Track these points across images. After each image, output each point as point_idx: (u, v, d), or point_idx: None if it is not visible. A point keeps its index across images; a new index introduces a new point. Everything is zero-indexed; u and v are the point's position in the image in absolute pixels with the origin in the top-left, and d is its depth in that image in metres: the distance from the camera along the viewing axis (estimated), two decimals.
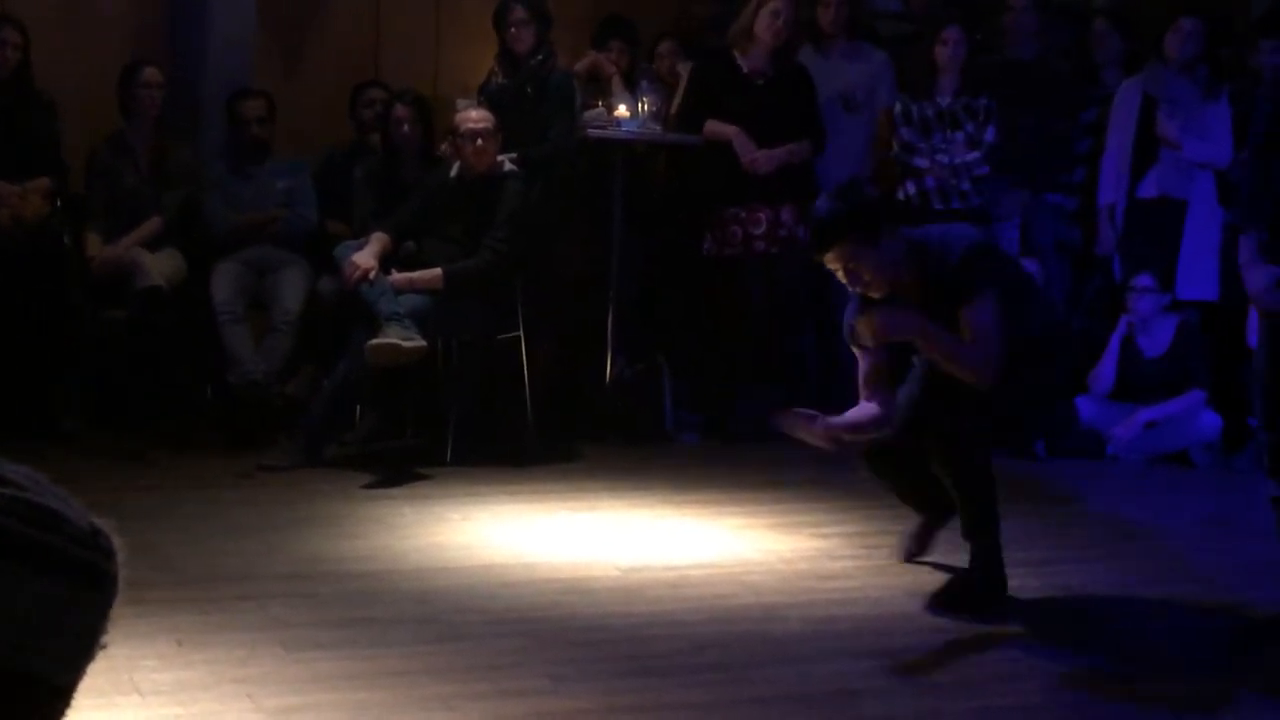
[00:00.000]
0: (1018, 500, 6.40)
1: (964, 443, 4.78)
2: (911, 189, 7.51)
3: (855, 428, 4.90)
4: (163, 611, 4.37)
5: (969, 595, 4.83)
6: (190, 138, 7.39)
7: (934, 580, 5.17)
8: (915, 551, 5.27)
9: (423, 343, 6.32)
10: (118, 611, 1.20)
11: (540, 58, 7.24)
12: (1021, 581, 5.16)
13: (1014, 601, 4.97)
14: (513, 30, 7.21)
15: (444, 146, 7.06)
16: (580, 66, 7.67)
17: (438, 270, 6.58)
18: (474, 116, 6.71)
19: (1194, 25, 7.48)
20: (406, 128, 7.08)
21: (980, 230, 4.86)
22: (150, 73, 7.07)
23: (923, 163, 7.45)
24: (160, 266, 6.88)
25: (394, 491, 6.10)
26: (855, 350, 4.94)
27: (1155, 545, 5.85)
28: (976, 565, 4.89)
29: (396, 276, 6.54)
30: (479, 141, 6.63)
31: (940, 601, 4.81)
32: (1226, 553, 5.81)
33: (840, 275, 4.71)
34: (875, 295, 4.71)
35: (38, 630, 1.13)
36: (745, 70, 7.29)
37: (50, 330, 6.76)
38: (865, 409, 4.94)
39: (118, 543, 1.18)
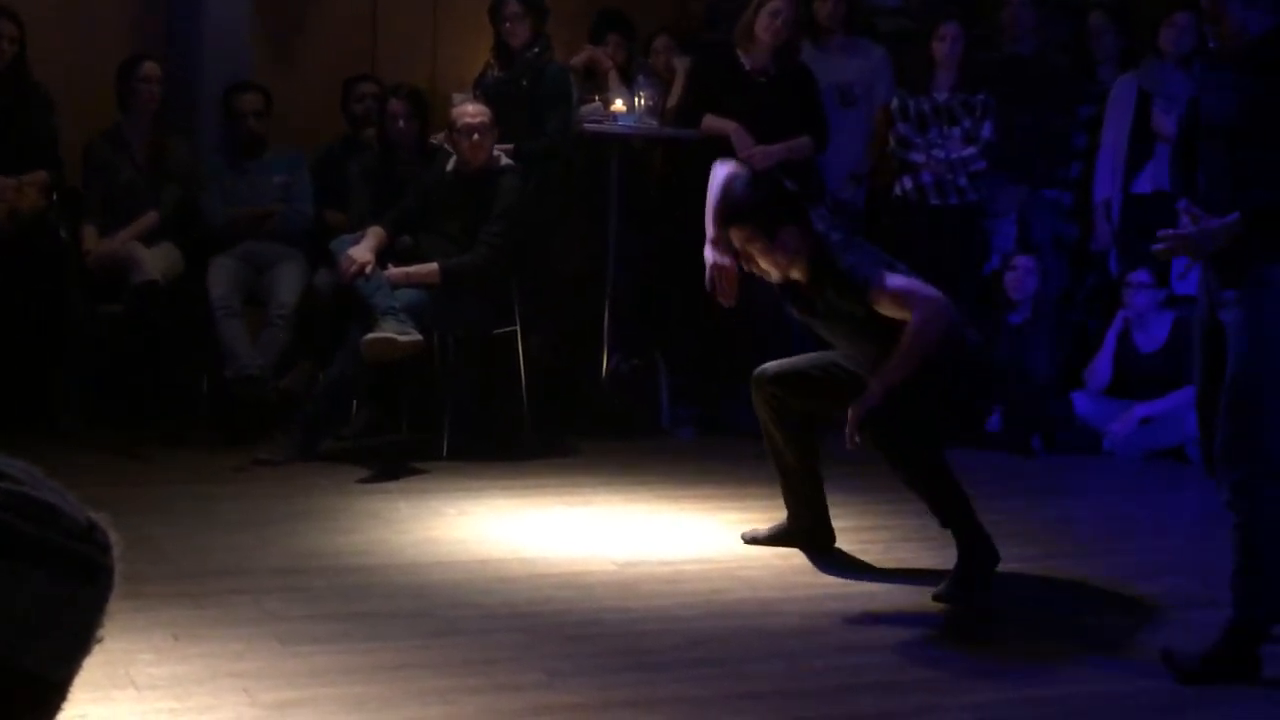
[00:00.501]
0: (1014, 496, 6.41)
1: (905, 445, 4.88)
2: (908, 184, 7.51)
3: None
4: (158, 605, 4.37)
5: (966, 581, 4.91)
6: (187, 132, 7.39)
7: (931, 577, 5.17)
8: (760, 538, 5.41)
9: (419, 337, 6.32)
10: (113, 606, 1.20)
11: (536, 51, 7.25)
12: (1018, 577, 5.17)
13: (1010, 596, 4.99)
14: (508, 24, 7.22)
15: (439, 136, 7.05)
16: (577, 61, 7.66)
17: (434, 265, 6.58)
18: (470, 111, 6.71)
19: (1188, 19, 7.48)
20: (402, 123, 7.08)
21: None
22: (150, 67, 7.07)
23: (919, 158, 7.46)
24: (157, 261, 6.87)
25: (390, 486, 6.10)
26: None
27: (1151, 541, 5.86)
28: (963, 551, 4.97)
29: (393, 271, 6.54)
30: (475, 136, 6.63)
31: (944, 596, 4.86)
32: (1223, 548, 5.81)
33: (739, 253, 4.99)
34: (771, 279, 5.00)
35: (33, 624, 1.13)
36: (748, 68, 7.28)
37: (46, 325, 6.76)
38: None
39: (114, 537, 1.18)
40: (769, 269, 4.94)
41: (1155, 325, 7.33)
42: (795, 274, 4.94)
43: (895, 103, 7.55)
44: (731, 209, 4.95)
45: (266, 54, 7.81)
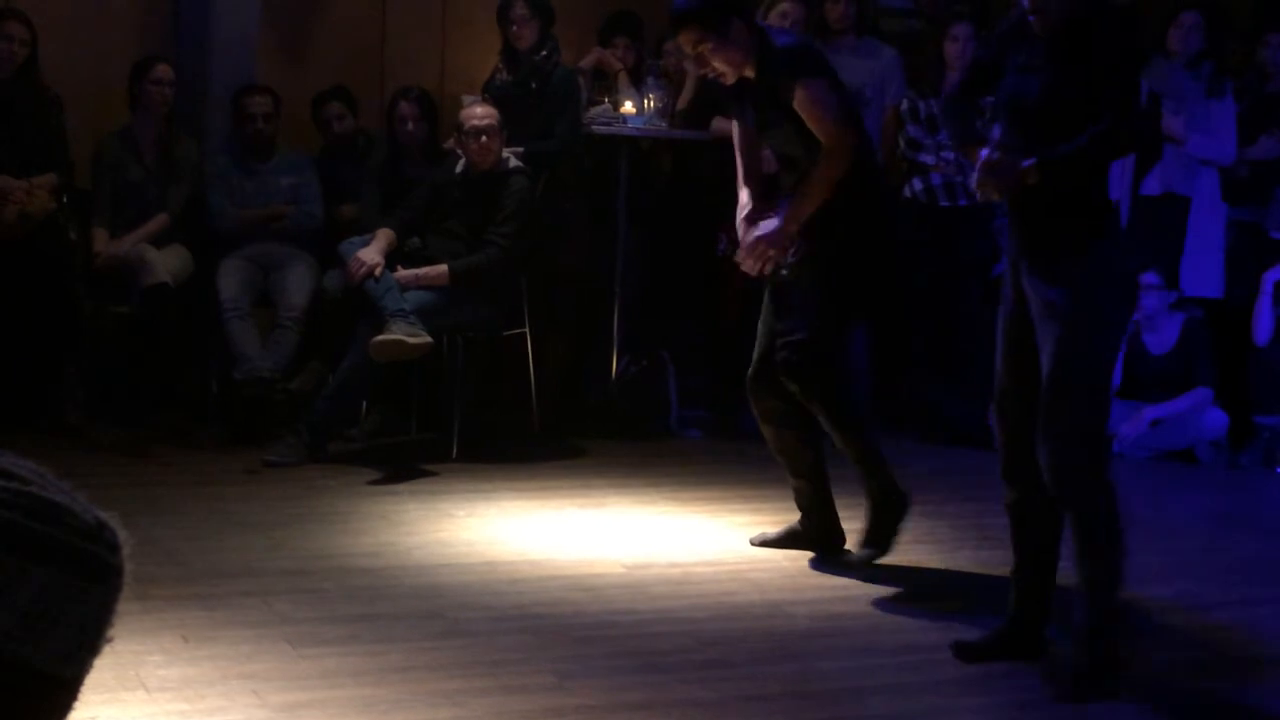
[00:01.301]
0: None
1: (827, 384, 5.05)
2: (918, 185, 7.50)
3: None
4: (168, 607, 4.37)
5: (881, 532, 5.20)
6: (196, 134, 7.39)
7: (939, 579, 5.17)
8: (769, 540, 5.42)
9: (428, 339, 6.31)
10: (123, 607, 1.20)
11: (544, 53, 7.24)
12: None
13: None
14: (514, 26, 7.21)
15: (449, 142, 7.06)
16: (586, 63, 7.66)
17: (443, 266, 6.57)
18: (478, 113, 6.71)
19: (1194, 18, 7.48)
20: (411, 125, 7.08)
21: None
22: (162, 69, 7.07)
23: (929, 159, 7.44)
24: (166, 263, 6.87)
25: (399, 487, 6.09)
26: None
27: (1161, 543, 5.84)
28: (875, 504, 5.24)
29: (402, 273, 6.53)
30: (483, 139, 6.63)
31: (862, 558, 5.20)
32: (1232, 550, 5.80)
33: (691, 62, 5.13)
34: (725, 81, 5.03)
35: (41, 621, 1.13)
36: None
37: (56, 326, 6.76)
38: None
39: (123, 537, 1.17)
40: (724, 69, 4.97)
41: (1165, 327, 7.32)
42: (748, 71, 4.98)
43: (905, 104, 7.53)
44: (680, 12, 4.97)
45: (275, 56, 7.80)
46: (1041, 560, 4.31)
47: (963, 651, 4.32)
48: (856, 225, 5.02)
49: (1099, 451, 4.12)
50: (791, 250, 5.01)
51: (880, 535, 5.25)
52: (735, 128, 5.25)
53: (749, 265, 5.05)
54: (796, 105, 4.92)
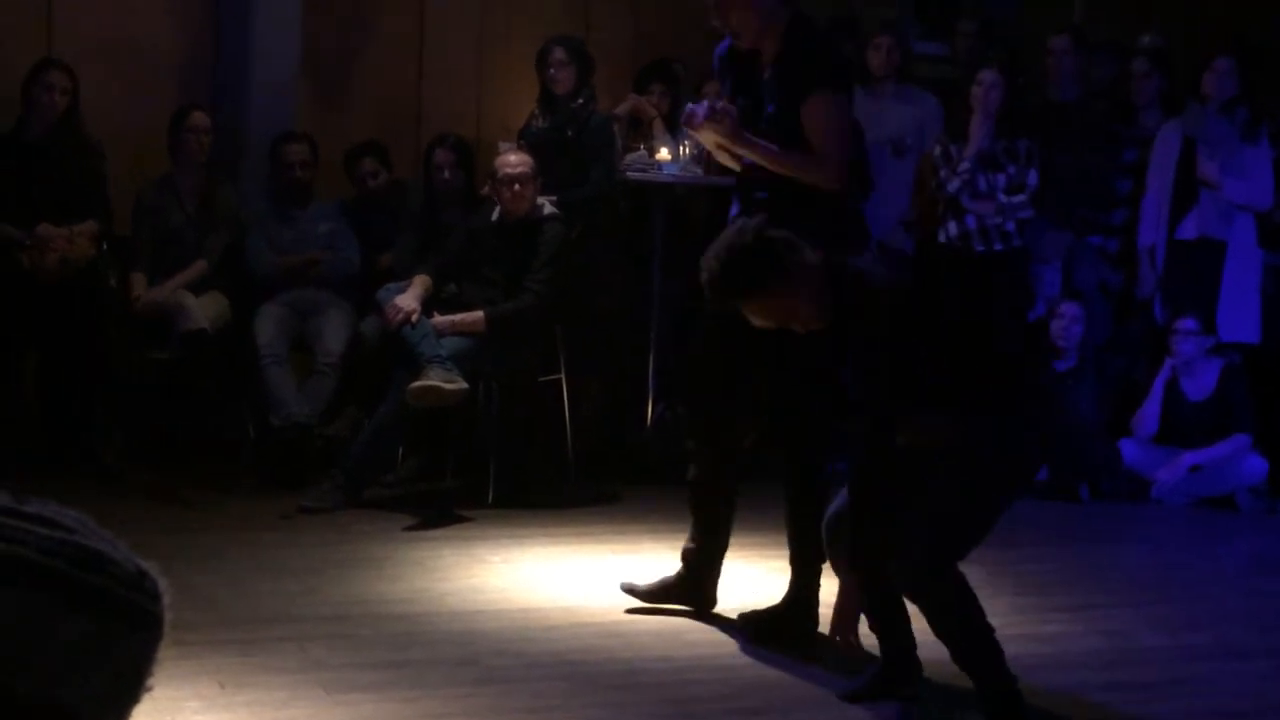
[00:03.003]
0: (1060, 544, 6.37)
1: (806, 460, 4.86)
2: (953, 230, 7.49)
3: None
4: (205, 653, 4.38)
5: (778, 627, 4.86)
6: (235, 181, 7.45)
7: None
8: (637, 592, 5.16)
9: (464, 385, 6.33)
10: (160, 653, 1.20)
11: (580, 101, 7.28)
12: (1064, 626, 5.13)
13: (1055, 646, 4.94)
14: (552, 71, 7.25)
15: (485, 189, 7.09)
16: (621, 109, 7.69)
17: (480, 313, 6.60)
18: (512, 161, 6.73)
19: (1228, 64, 7.48)
20: (447, 172, 7.11)
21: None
22: (199, 118, 7.13)
23: (954, 185, 7.38)
24: (204, 309, 6.92)
25: (435, 533, 6.10)
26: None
27: (1200, 590, 5.80)
28: (794, 587, 4.89)
29: (438, 319, 6.56)
30: (516, 186, 6.65)
31: (752, 632, 4.83)
32: (1273, 597, 5.76)
33: (712, 8, 4.83)
34: (742, 42, 4.81)
35: (82, 669, 1.14)
36: None
37: (95, 371, 6.81)
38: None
39: (164, 585, 1.18)
40: (741, 27, 4.78)
41: (1203, 373, 7.29)
42: (768, 43, 4.77)
43: (937, 150, 7.54)
44: None
45: (313, 104, 7.87)
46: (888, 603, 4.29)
47: (848, 698, 4.32)
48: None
49: (946, 556, 4.09)
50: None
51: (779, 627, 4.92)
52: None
53: (701, 129, 4.73)
54: (807, 112, 4.70)
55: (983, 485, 4.07)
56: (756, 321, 4.19)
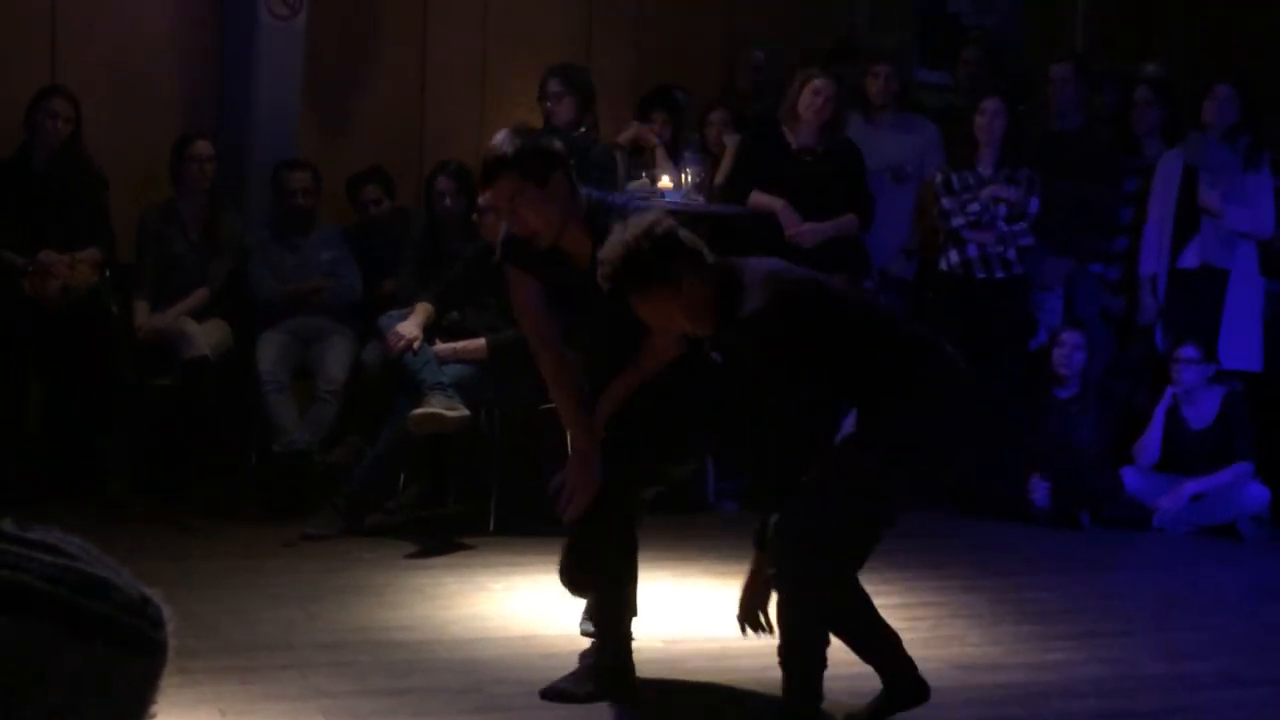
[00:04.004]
0: (1062, 571, 6.36)
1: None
2: (954, 259, 7.50)
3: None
4: (206, 680, 4.37)
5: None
6: (238, 208, 7.46)
7: (979, 654, 5.13)
8: None
9: (466, 412, 6.33)
10: (163, 681, 1.21)
11: (582, 129, 7.29)
12: (1066, 654, 5.13)
13: (1058, 676, 4.93)
14: (548, 104, 7.27)
15: (475, 217, 7.09)
16: (623, 138, 7.71)
17: (481, 340, 6.60)
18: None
19: (1228, 91, 7.49)
20: (449, 200, 7.12)
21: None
22: (201, 146, 7.15)
23: (959, 221, 7.41)
24: (207, 336, 6.93)
25: (436, 561, 6.10)
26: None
27: (1202, 618, 5.80)
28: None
29: (440, 347, 6.56)
30: (491, 216, 6.64)
31: None
32: (1274, 625, 5.75)
33: (505, 217, 4.50)
34: (540, 244, 4.41)
35: (86, 697, 1.14)
36: (794, 145, 7.30)
37: (97, 398, 6.82)
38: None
39: (167, 612, 1.19)
40: (537, 226, 4.39)
41: (1204, 401, 7.29)
42: (575, 231, 4.40)
43: (938, 177, 7.55)
44: (495, 159, 4.36)
45: (316, 131, 7.89)
46: (872, 630, 4.29)
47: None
48: None
49: (827, 573, 4.12)
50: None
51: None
52: (525, 294, 4.58)
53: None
54: (644, 314, 4.26)
55: (880, 486, 4.09)
56: (644, 316, 4.18)
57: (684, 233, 4.21)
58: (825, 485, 4.08)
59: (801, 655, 4.13)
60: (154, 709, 1.18)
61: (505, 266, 4.61)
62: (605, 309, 4.31)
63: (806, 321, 4.09)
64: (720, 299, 4.12)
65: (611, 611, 4.62)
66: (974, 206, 7.38)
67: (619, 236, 4.12)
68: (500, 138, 4.48)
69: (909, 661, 4.32)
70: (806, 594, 4.10)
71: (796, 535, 4.08)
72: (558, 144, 4.56)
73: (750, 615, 4.34)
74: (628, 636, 4.63)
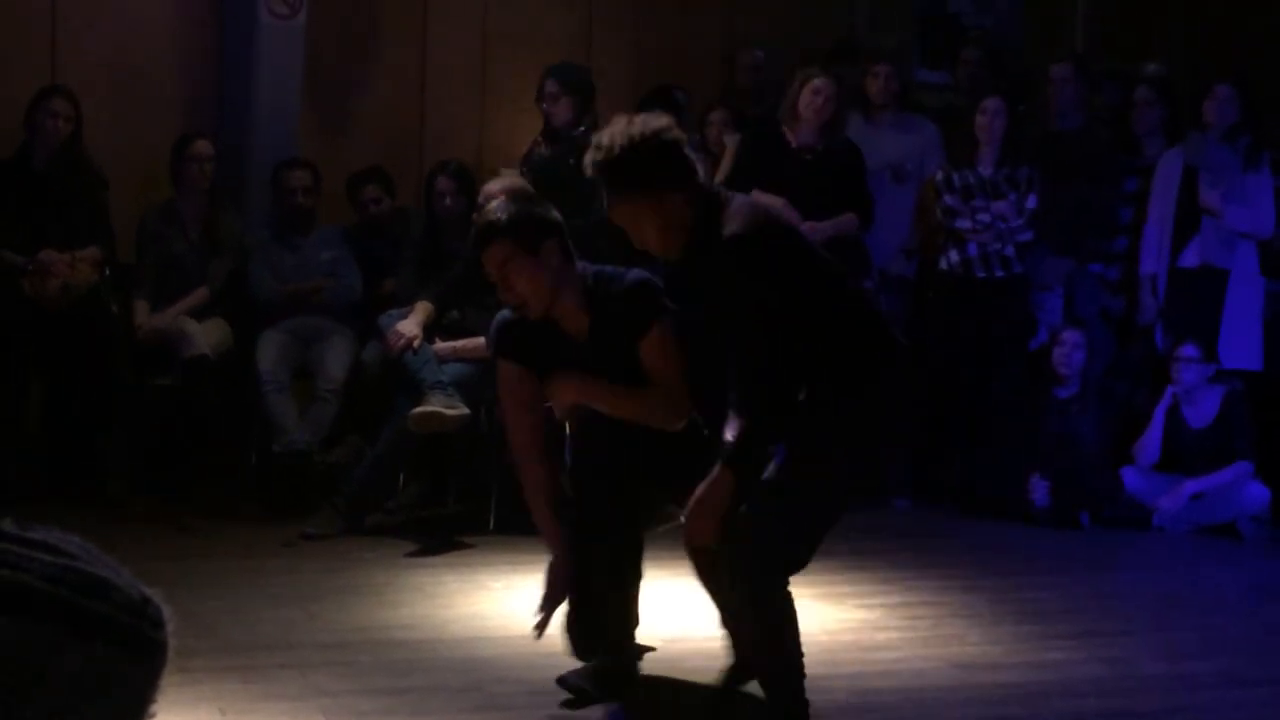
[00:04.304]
0: (1062, 571, 6.36)
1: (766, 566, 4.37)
2: (955, 257, 7.50)
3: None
4: (206, 680, 4.37)
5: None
6: (238, 208, 7.47)
7: (979, 653, 5.14)
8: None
9: (466, 411, 6.34)
10: (163, 680, 1.21)
11: (582, 129, 7.29)
12: (1067, 655, 5.13)
13: (1057, 676, 4.93)
14: (545, 105, 7.28)
15: (475, 217, 7.08)
16: None
17: (481, 339, 6.59)
18: (492, 188, 6.71)
19: (1228, 91, 7.49)
20: (449, 199, 7.12)
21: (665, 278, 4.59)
22: (201, 145, 7.15)
23: (965, 224, 7.44)
24: (206, 336, 6.93)
25: (436, 560, 6.10)
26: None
27: (1202, 618, 5.80)
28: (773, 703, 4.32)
29: (440, 346, 6.56)
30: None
31: None
32: (1274, 625, 5.75)
33: (496, 280, 4.45)
34: (530, 312, 4.39)
35: (85, 697, 1.14)
36: (794, 145, 7.30)
37: (97, 397, 6.82)
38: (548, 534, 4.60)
39: (167, 612, 1.19)
40: (530, 292, 4.36)
41: (1204, 400, 7.29)
42: (567, 300, 4.39)
43: (939, 176, 7.56)
44: (489, 225, 4.40)
45: (316, 131, 7.89)
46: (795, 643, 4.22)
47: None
48: None
49: (782, 569, 4.04)
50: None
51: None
52: (511, 392, 4.52)
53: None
54: (645, 345, 4.38)
55: (826, 480, 4.00)
56: (615, 219, 4.15)
57: (688, 148, 4.11)
58: (784, 488, 3.98)
59: (776, 655, 4.10)
60: (154, 709, 1.18)
61: (495, 359, 4.56)
62: (603, 353, 4.33)
63: (784, 256, 3.97)
64: (698, 225, 4.03)
65: (617, 620, 4.61)
66: (984, 218, 7.39)
67: (623, 127, 4.07)
68: (497, 203, 4.52)
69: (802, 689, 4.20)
70: (768, 594, 4.03)
71: (756, 542, 3.98)
72: (554, 214, 4.52)
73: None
74: (633, 644, 4.64)
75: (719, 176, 7.63)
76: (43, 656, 1.12)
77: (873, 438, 4.08)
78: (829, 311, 4.02)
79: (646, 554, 4.65)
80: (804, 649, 5.02)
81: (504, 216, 4.40)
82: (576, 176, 7.18)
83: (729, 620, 4.42)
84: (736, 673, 4.43)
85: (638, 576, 4.63)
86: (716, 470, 3.96)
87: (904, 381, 4.13)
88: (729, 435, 4.05)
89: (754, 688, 4.57)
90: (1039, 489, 7.19)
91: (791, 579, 4.05)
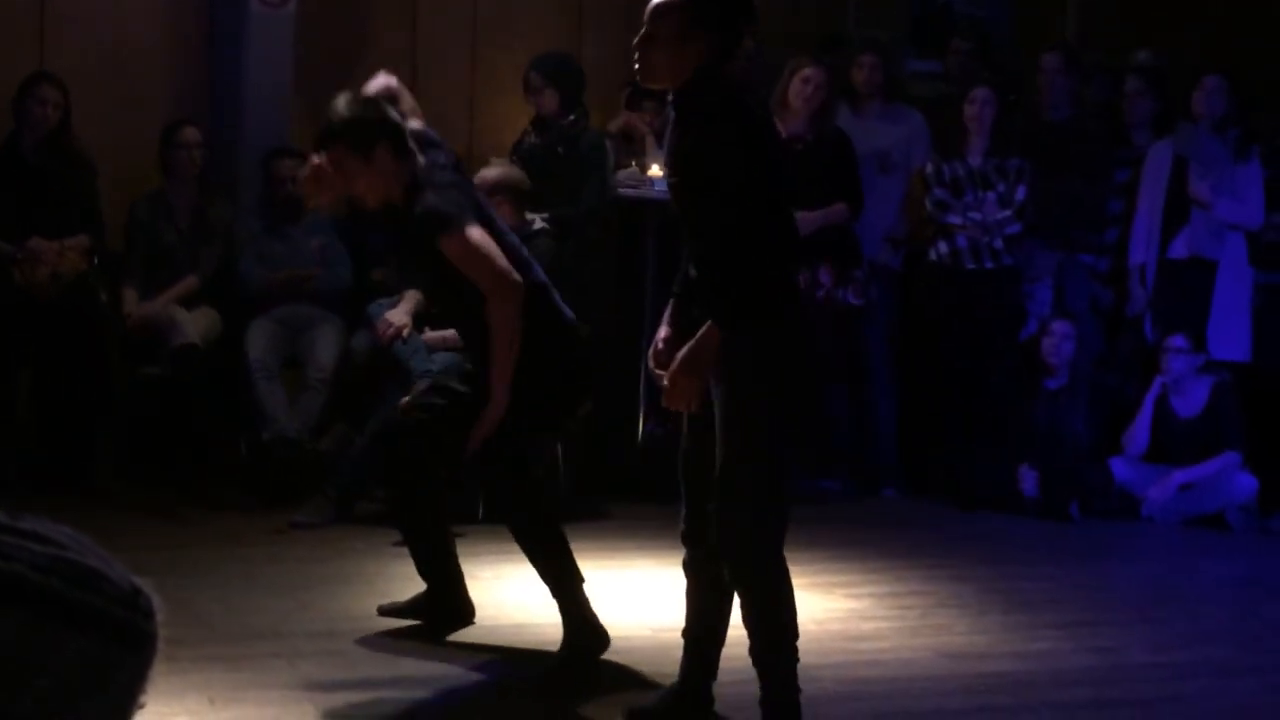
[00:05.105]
0: (1051, 563, 6.38)
1: (515, 497, 4.86)
2: (944, 249, 7.51)
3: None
4: (195, 669, 4.38)
5: (566, 666, 4.69)
6: (228, 195, 7.46)
7: (967, 643, 5.15)
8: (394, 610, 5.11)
9: None
10: (152, 670, 1.21)
11: (571, 118, 7.29)
12: (1054, 644, 5.15)
13: (1047, 667, 4.95)
14: (531, 96, 7.28)
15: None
16: (613, 126, 7.71)
17: None
18: (485, 176, 6.69)
19: (1217, 82, 7.50)
20: None
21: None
22: (190, 132, 7.14)
23: (955, 219, 7.46)
24: (196, 324, 6.93)
25: None
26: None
27: (1190, 608, 5.82)
28: (569, 630, 4.74)
29: (430, 334, 6.56)
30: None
31: (540, 684, 4.60)
32: (1262, 616, 5.77)
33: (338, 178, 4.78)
34: (368, 206, 4.84)
35: (77, 690, 1.14)
36: (784, 134, 7.30)
37: (86, 386, 6.81)
38: None
39: (157, 603, 1.19)
40: (366, 193, 4.77)
41: (1193, 390, 7.31)
42: (398, 201, 4.72)
43: (929, 167, 7.56)
44: (330, 128, 4.75)
45: (307, 119, 7.87)
46: (708, 622, 4.27)
47: (635, 716, 4.28)
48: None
49: (768, 526, 4.02)
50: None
51: (560, 677, 4.69)
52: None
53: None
54: (448, 254, 4.62)
55: (765, 432, 3.98)
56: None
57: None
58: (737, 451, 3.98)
59: (777, 647, 4.11)
60: (143, 699, 1.18)
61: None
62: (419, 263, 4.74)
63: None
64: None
65: (565, 583, 4.76)
66: (975, 215, 7.40)
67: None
68: (337, 102, 4.81)
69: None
70: (757, 566, 4.04)
71: (739, 520, 4.00)
72: (391, 113, 4.80)
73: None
74: (584, 598, 4.77)
75: None
76: (37, 649, 1.12)
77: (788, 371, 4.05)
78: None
79: (638, 540, 4.67)
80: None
81: (337, 121, 4.73)
82: (565, 165, 7.25)
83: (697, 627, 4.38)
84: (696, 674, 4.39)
85: (563, 537, 4.93)
86: (704, 329, 3.94)
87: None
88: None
89: (742, 677, 4.59)
90: (1028, 479, 7.20)
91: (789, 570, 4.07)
